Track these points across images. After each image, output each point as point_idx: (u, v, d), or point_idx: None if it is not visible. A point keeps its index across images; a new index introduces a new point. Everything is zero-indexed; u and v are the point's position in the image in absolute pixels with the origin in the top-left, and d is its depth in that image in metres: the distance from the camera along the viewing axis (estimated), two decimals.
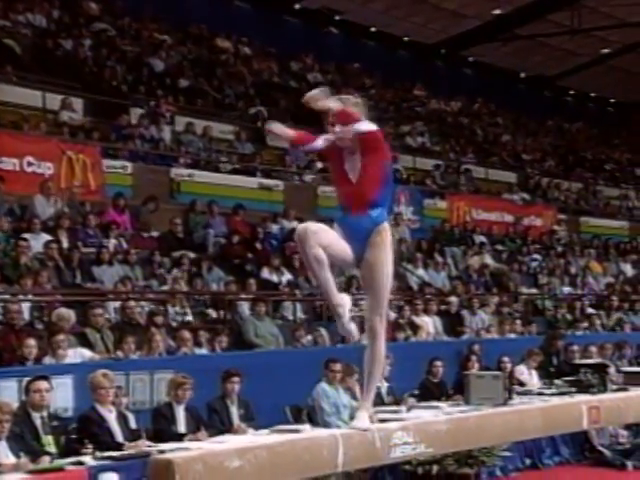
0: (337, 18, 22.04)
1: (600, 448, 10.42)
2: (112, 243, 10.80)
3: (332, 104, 4.02)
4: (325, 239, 3.90)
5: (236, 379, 7.75)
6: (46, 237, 10.14)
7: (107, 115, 13.79)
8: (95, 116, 13.72)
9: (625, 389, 6.03)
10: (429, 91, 22.40)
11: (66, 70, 14.07)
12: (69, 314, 8.43)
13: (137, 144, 13.40)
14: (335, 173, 4.16)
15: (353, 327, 3.96)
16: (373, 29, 22.69)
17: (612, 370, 7.37)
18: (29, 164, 11.35)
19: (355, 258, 4.03)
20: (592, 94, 28.25)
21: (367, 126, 4.01)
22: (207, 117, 15.25)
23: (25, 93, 13.01)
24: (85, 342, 8.40)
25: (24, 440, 6.33)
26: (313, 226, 3.93)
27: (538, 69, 25.44)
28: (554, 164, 22.73)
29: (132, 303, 9.31)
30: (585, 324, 14.07)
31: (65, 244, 10.34)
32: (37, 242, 9.98)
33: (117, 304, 9.53)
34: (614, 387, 6.03)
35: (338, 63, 20.73)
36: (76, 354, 8.00)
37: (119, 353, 8.22)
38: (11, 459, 6.07)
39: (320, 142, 4.13)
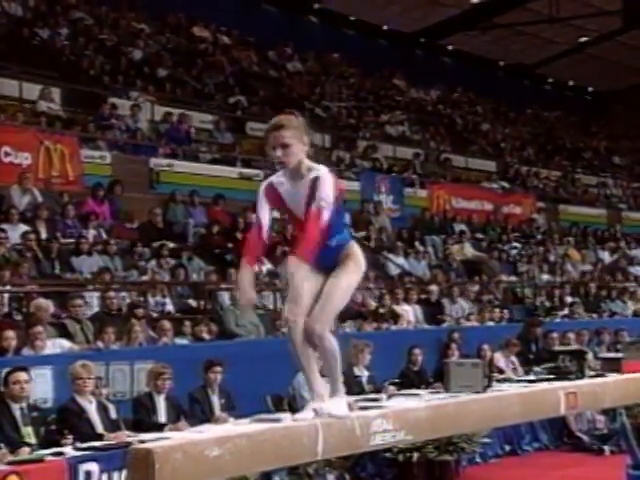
0: (316, 6, 22.00)
1: (578, 434, 10.52)
2: (91, 233, 10.75)
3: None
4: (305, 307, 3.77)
5: (218, 369, 7.75)
6: (24, 228, 10.08)
7: (85, 105, 13.70)
8: (73, 106, 13.63)
9: (602, 375, 6.07)
10: (408, 80, 22.41)
11: (43, 59, 13.96)
12: (47, 304, 8.39)
13: (115, 134, 13.32)
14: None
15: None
16: (352, 18, 22.67)
17: (590, 356, 7.42)
18: (6, 154, 11.26)
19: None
20: (570, 82, 28.39)
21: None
22: (186, 106, 15.19)
23: (2, 83, 12.91)
24: (65, 333, 8.38)
25: (3, 431, 6.30)
26: (293, 310, 3.75)
27: (517, 57, 25.51)
28: (533, 152, 22.83)
29: (112, 293, 9.28)
30: (564, 311, 14.18)
31: (44, 235, 10.28)
32: (15, 233, 9.92)
33: (97, 294, 9.50)
34: (592, 373, 6.07)
35: (317, 52, 20.71)
36: (55, 345, 7.97)
37: (99, 343, 8.19)
38: None
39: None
